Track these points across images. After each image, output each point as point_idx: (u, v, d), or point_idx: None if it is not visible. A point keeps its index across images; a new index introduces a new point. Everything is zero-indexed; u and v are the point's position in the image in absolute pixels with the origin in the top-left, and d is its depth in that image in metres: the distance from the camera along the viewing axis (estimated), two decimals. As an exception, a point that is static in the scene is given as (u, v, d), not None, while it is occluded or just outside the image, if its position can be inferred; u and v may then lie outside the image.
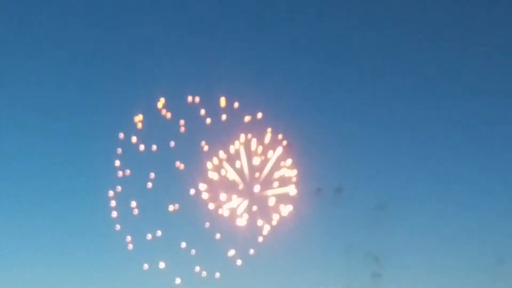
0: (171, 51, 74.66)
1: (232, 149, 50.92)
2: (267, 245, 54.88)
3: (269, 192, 52.19)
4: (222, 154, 51.36)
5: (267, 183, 52.77)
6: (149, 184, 51.52)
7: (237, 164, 51.58)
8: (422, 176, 76.07)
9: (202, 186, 51.61)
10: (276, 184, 52.73)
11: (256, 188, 51.62)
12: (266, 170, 52.03)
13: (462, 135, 78.25)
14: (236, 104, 51.74)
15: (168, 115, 51.30)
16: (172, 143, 51.41)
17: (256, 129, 51.95)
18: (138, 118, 51.49)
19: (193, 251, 51.37)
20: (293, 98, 63.31)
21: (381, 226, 66.76)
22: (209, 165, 51.57)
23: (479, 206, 76.26)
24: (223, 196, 51.81)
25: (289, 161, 53.02)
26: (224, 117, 51.16)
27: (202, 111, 51.43)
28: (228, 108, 51.84)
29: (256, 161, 51.36)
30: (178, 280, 51.53)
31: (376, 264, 66.11)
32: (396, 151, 77.73)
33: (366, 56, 78.28)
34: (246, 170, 51.04)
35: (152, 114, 52.76)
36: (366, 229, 66.60)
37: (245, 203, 51.88)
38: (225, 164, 50.84)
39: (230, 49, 72.88)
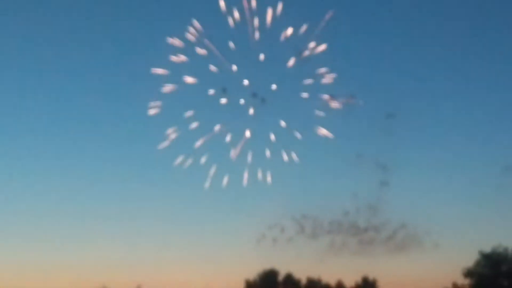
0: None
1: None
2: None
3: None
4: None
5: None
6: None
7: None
8: (432, 86, 76.41)
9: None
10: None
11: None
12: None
13: (473, 45, 78.12)
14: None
15: None
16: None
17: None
18: None
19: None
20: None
21: (390, 135, 67.15)
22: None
23: (487, 117, 77.22)
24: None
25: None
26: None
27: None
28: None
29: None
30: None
31: (384, 172, 66.79)
32: (408, 60, 77.48)
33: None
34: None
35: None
36: (376, 137, 67.03)
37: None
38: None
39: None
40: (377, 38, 76.79)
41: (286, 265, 62.84)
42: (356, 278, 63.72)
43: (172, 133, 46.48)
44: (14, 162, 77.52)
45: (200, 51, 45.10)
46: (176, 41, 44.61)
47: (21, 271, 69.93)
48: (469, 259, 53.33)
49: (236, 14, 43.87)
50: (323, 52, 47.84)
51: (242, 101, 45.21)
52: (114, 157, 77.51)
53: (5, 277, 67.59)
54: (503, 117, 76.37)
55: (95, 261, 70.33)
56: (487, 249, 52.48)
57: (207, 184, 48.88)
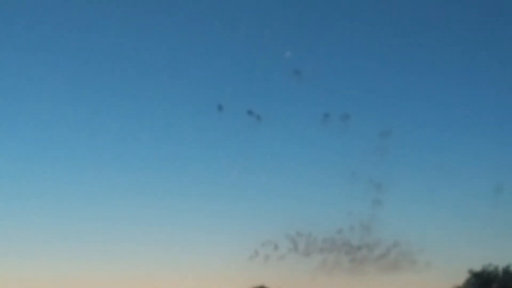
0: None
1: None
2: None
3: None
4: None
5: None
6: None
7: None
8: (426, 105, 77.63)
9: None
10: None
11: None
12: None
13: (466, 66, 79.76)
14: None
15: None
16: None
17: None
18: None
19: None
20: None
21: (384, 153, 67.68)
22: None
23: (479, 136, 78.19)
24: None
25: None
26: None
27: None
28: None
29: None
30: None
31: (377, 191, 67.19)
32: (403, 79, 78.90)
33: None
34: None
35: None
36: (369, 155, 67.62)
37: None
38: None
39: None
40: (372, 57, 78.16)
41: (277, 282, 63.07)
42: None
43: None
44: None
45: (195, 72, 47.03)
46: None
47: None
48: (460, 278, 53.71)
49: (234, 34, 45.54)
50: (318, 72, 49.49)
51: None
52: (106, 179, 78.43)
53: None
54: (495, 137, 77.30)
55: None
56: (478, 268, 52.85)
57: (200, 202, 50.03)
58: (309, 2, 71.69)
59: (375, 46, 76.15)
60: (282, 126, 56.96)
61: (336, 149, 65.43)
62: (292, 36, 52.02)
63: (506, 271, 51.94)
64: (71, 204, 76.65)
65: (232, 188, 55.54)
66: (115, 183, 78.97)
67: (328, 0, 74.90)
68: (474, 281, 52.43)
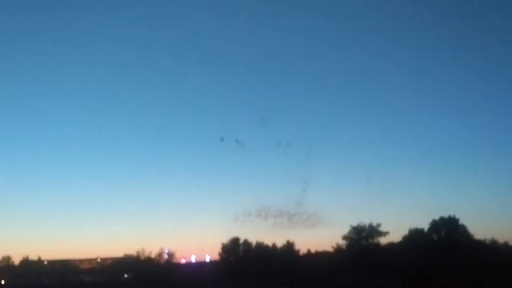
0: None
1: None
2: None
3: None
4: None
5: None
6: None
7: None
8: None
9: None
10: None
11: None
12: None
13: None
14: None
15: None
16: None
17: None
18: None
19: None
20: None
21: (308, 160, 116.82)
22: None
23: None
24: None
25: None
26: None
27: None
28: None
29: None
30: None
31: (304, 184, 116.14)
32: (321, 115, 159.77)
33: None
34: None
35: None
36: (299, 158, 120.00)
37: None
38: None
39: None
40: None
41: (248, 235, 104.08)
42: (283, 241, 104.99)
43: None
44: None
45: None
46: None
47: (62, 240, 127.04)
48: (346, 229, 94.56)
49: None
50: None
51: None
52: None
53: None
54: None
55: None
56: (355, 223, 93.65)
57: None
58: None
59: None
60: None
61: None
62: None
63: (370, 225, 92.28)
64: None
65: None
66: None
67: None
68: (353, 231, 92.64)
